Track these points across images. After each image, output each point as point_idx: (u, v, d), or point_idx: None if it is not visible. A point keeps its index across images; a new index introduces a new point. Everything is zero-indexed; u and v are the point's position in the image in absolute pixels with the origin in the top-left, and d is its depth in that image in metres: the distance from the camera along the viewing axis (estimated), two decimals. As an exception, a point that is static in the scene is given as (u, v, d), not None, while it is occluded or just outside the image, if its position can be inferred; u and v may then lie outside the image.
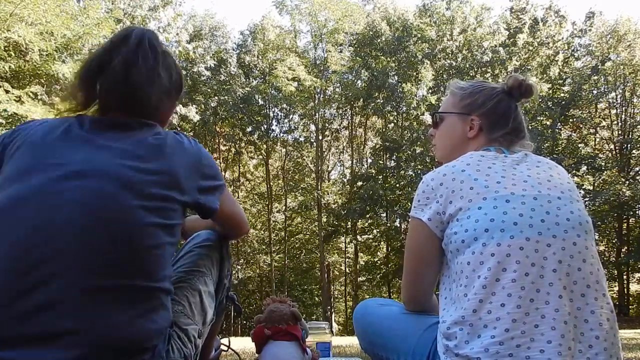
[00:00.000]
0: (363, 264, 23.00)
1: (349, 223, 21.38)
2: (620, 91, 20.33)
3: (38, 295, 0.91)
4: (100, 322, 0.92)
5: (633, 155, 20.18)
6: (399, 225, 20.42)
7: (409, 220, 1.23)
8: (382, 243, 22.12)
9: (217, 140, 23.44)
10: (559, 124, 19.79)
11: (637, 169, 20.36)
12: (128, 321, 0.95)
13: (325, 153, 24.09)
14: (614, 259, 20.20)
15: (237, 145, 23.25)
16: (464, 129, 1.32)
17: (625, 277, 20.36)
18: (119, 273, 0.95)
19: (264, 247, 23.67)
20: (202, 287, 1.28)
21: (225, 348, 1.82)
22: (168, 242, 1.03)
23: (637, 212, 19.86)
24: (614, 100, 20.90)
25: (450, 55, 20.51)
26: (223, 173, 23.37)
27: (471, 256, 1.04)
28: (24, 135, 1.06)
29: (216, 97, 20.91)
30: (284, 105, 22.56)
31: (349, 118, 23.77)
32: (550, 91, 19.82)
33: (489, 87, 1.35)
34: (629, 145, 19.93)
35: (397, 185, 20.08)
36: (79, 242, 0.93)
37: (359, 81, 21.96)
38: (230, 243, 1.48)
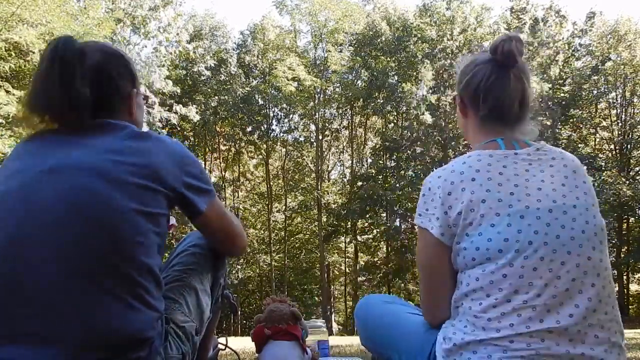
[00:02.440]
0: (363, 264, 23.00)
1: (349, 223, 21.37)
2: (621, 91, 20.31)
3: (23, 293, 0.91)
4: (85, 317, 0.92)
5: (633, 155, 20.18)
6: (399, 225, 20.42)
7: (417, 228, 1.17)
8: (382, 243, 22.12)
9: (217, 140, 23.42)
10: (559, 124, 19.78)
11: (637, 169, 20.36)
12: (114, 313, 0.95)
13: (325, 153, 24.08)
14: (613, 259, 20.17)
15: (237, 145, 23.24)
16: (458, 110, 1.29)
17: (625, 277, 20.35)
18: (101, 261, 0.95)
19: (264, 247, 23.64)
20: (198, 285, 1.28)
21: (223, 347, 1.82)
22: (151, 231, 1.02)
23: (637, 212, 19.84)
24: (614, 100, 20.89)
25: (450, 55, 20.50)
26: (223, 173, 23.38)
27: (481, 273, 1.03)
28: (11, 153, 1.11)
29: (216, 97, 20.90)
30: (284, 105, 22.56)
31: (349, 118, 23.76)
32: (551, 91, 19.80)
33: (477, 59, 1.22)
34: (629, 145, 19.93)
35: (397, 185, 20.06)
36: (57, 236, 0.94)
37: (359, 81, 21.95)
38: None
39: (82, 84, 1.07)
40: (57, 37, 1.12)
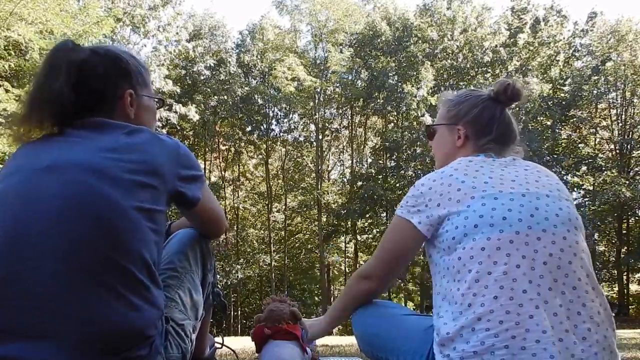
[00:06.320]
0: (363, 263, 22.94)
1: (349, 223, 21.38)
2: (621, 91, 20.31)
3: (22, 288, 0.91)
4: (84, 312, 0.92)
5: (633, 155, 20.18)
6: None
7: (395, 218, 1.25)
8: (381, 243, 22.08)
9: (216, 140, 23.42)
10: (559, 124, 19.77)
11: (637, 169, 20.36)
12: (113, 309, 0.94)
13: (325, 153, 24.08)
14: (614, 259, 20.20)
15: (236, 145, 23.24)
16: (453, 139, 1.37)
17: (625, 277, 20.36)
18: (100, 258, 0.95)
19: (263, 246, 23.66)
20: (190, 283, 1.29)
21: (220, 345, 1.82)
22: (149, 228, 1.02)
23: (637, 212, 19.86)
24: (614, 101, 20.89)
25: (450, 55, 20.49)
26: (223, 173, 23.40)
27: (462, 252, 1.07)
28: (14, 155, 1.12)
29: (216, 97, 20.89)
30: (284, 105, 22.57)
31: (349, 118, 23.77)
32: (551, 91, 19.80)
33: (474, 96, 1.38)
34: (629, 146, 19.93)
35: (397, 185, 20.07)
36: (56, 231, 0.94)
37: (358, 81, 21.96)
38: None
39: (62, 83, 1.07)
40: (53, 48, 1.13)
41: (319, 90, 22.19)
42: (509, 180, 1.13)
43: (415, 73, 19.73)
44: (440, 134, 1.41)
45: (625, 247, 19.99)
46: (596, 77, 19.50)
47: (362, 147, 23.95)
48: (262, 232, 24.09)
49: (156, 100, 1.30)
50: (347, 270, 23.70)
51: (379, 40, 20.85)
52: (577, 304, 1.00)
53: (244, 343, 3.91)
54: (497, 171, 1.17)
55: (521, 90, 1.33)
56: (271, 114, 23.33)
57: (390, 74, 20.18)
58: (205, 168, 21.91)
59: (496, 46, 19.75)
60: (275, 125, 23.77)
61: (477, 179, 1.14)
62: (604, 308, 1.04)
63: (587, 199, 19.20)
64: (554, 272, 1.01)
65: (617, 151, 20.45)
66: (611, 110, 21.09)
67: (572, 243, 1.05)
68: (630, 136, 19.98)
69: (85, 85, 1.12)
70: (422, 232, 1.17)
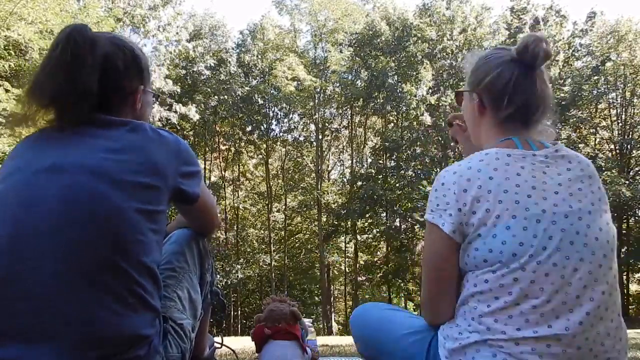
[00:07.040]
0: (363, 263, 22.99)
1: (349, 223, 21.39)
2: (621, 91, 20.29)
3: (22, 289, 0.91)
4: (83, 314, 0.91)
5: (633, 155, 20.17)
6: (398, 225, 20.41)
7: (427, 224, 1.12)
8: (381, 243, 22.10)
9: (216, 140, 23.42)
10: (559, 124, 19.76)
11: (637, 169, 20.35)
12: (112, 310, 0.94)
13: (325, 153, 24.08)
14: (613, 259, 20.17)
15: (236, 145, 23.24)
16: (473, 108, 1.23)
17: (625, 277, 20.36)
18: (100, 260, 0.94)
19: (263, 246, 23.65)
20: (188, 283, 1.29)
21: (219, 345, 1.82)
22: (151, 229, 1.02)
23: (637, 212, 19.83)
24: (614, 101, 20.88)
25: (450, 55, 20.49)
26: (223, 172, 23.40)
27: (492, 276, 1.01)
28: (11, 154, 1.10)
29: (216, 97, 20.89)
30: (284, 105, 22.58)
31: (349, 118, 23.77)
32: (551, 91, 19.76)
33: (494, 57, 1.19)
34: (629, 146, 19.91)
35: (397, 185, 20.06)
36: (57, 233, 0.94)
37: (358, 81, 21.96)
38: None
39: (89, 75, 1.06)
40: (70, 25, 1.10)
41: (318, 90, 22.20)
42: (552, 192, 1.03)
43: (414, 73, 19.73)
44: (464, 103, 1.29)
45: (625, 247, 19.97)
46: (596, 77, 19.47)
47: (362, 147, 23.95)
48: (262, 232, 24.08)
49: (153, 95, 1.31)
50: (347, 270, 23.71)
51: (378, 40, 20.85)
52: (602, 335, 0.99)
53: (244, 343, 3.91)
54: (540, 176, 1.05)
55: (547, 51, 1.11)
56: (271, 114, 23.34)
57: (389, 74, 20.17)
58: (205, 168, 21.91)
59: (495, 46, 19.71)
60: (275, 125, 23.83)
61: (520, 188, 1.02)
62: (624, 337, 1.05)
63: (587, 199, 19.13)
64: (585, 304, 0.98)
65: (617, 151, 20.44)
66: (611, 110, 21.07)
67: (606, 270, 1.02)
68: (630, 136, 19.96)
69: (107, 80, 1.11)
70: (456, 241, 1.06)
